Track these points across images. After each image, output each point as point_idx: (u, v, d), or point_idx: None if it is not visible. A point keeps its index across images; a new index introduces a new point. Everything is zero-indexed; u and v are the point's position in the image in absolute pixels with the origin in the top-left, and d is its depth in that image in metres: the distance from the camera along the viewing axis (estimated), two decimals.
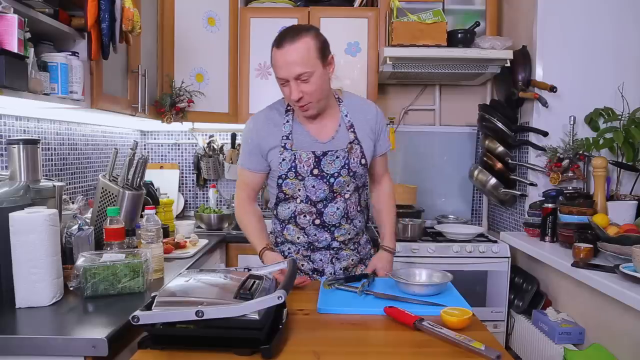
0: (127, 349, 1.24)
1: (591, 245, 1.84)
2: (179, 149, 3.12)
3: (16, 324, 1.22)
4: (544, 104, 2.42)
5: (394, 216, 1.80)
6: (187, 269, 1.80)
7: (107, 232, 1.54)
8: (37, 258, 1.30)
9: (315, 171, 1.59)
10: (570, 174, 2.37)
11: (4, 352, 1.12)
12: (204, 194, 3.12)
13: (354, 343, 1.13)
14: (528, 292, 2.35)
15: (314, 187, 1.60)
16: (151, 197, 2.44)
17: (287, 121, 1.61)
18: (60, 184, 1.57)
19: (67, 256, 1.50)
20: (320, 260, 1.68)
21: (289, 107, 1.63)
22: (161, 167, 3.04)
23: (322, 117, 1.61)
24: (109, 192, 1.79)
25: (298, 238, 1.67)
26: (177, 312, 1.01)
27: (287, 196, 1.63)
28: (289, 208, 1.65)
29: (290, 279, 1.16)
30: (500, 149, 2.63)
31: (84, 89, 1.69)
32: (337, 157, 1.59)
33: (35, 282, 1.30)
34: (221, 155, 3.03)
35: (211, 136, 3.05)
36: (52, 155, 2.07)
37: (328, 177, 1.59)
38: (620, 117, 2.23)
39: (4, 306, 1.30)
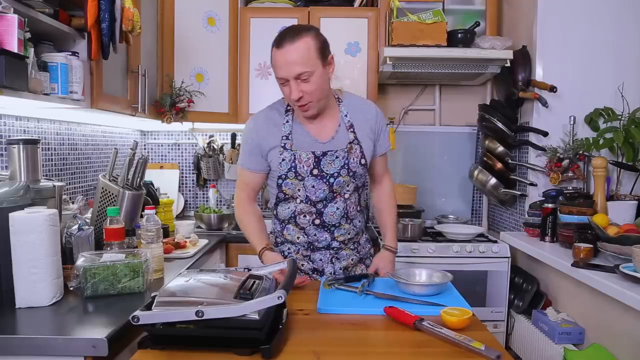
0: (127, 349, 1.24)
1: (591, 245, 1.84)
2: (179, 149, 3.12)
3: (16, 324, 1.22)
4: (544, 104, 2.42)
5: (395, 216, 1.81)
6: (187, 269, 1.80)
7: (107, 232, 1.54)
8: (37, 258, 1.30)
9: (315, 171, 1.59)
10: (570, 174, 2.37)
11: (4, 352, 1.12)
12: (204, 194, 3.12)
13: (354, 343, 1.13)
14: (528, 292, 2.35)
15: (313, 187, 1.60)
16: (151, 197, 2.44)
17: (287, 121, 1.61)
18: (60, 184, 1.57)
19: (67, 256, 1.50)
20: (320, 260, 1.68)
21: (288, 107, 1.63)
22: (161, 167, 3.04)
23: (322, 117, 1.61)
24: (109, 192, 1.79)
25: (298, 238, 1.67)
26: (177, 312, 1.01)
27: (287, 196, 1.63)
28: (288, 208, 1.65)
29: (290, 279, 1.16)
30: (500, 149, 2.63)
31: (84, 89, 1.69)
32: (337, 157, 1.59)
33: (35, 282, 1.30)
34: (221, 155, 3.03)
35: (211, 136, 3.05)
36: (52, 155, 2.07)
37: (328, 177, 1.59)
38: (620, 117, 2.23)
39: (4, 306, 1.30)
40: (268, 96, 2.62)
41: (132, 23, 1.70)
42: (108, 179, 1.82)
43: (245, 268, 1.32)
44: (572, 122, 2.39)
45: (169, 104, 2.47)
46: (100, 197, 1.80)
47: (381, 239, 1.92)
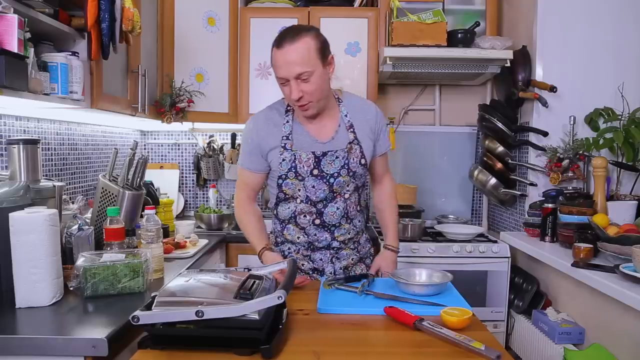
0: (127, 349, 1.24)
1: (591, 245, 1.84)
2: (179, 149, 3.12)
3: (16, 324, 1.22)
4: (544, 104, 2.42)
5: (396, 216, 1.81)
6: (187, 269, 1.80)
7: (107, 232, 1.54)
8: (37, 258, 1.30)
9: (315, 171, 1.59)
10: (570, 174, 2.37)
11: (4, 352, 1.12)
12: (204, 194, 3.12)
13: (354, 343, 1.13)
14: (528, 292, 2.35)
15: (313, 187, 1.60)
16: (151, 197, 2.44)
17: (287, 121, 1.61)
18: (60, 184, 1.57)
19: (67, 256, 1.50)
20: (321, 259, 1.68)
21: (289, 108, 1.63)
22: (161, 167, 3.04)
23: (322, 117, 1.62)
24: (109, 192, 1.79)
25: (298, 238, 1.67)
26: (177, 312, 1.01)
27: (287, 196, 1.63)
28: (289, 208, 1.65)
29: (290, 279, 1.16)
30: (500, 149, 2.63)
31: (84, 89, 1.69)
32: (337, 157, 1.59)
33: (35, 282, 1.30)
34: (221, 155, 3.03)
35: (211, 136, 3.05)
36: (52, 155, 2.07)
37: (328, 177, 1.60)
38: (620, 117, 2.23)
39: (4, 306, 1.30)
40: (268, 96, 2.62)
41: (132, 23, 1.70)
42: (108, 179, 1.82)
43: (245, 268, 1.32)
44: (572, 122, 2.39)
45: (169, 104, 2.47)
46: (100, 197, 1.80)
47: (381, 239, 1.93)
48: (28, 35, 1.36)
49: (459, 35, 2.50)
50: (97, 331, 1.15)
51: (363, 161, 1.64)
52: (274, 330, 1.09)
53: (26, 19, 1.34)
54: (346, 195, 1.64)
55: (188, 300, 1.04)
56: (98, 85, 1.78)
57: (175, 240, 2.15)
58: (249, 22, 2.73)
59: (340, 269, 1.69)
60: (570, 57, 2.42)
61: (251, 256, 2.21)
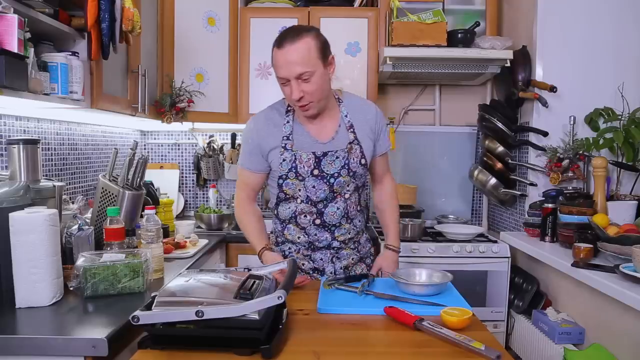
0: (127, 349, 1.24)
1: (591, 245, 1.84)
2: (179, 149, 3.12)
3: (16, 324, 1.22)
4: (544, 104, 2.42)
5: (397, 215, 1.81)
6: (187, 269, 1.80)
7: (107, 232, 1.54)
8: (37, 258, 1.30)
9: (316, 171, 1.59)
10: (570, 174, 2.37)
11: (4, 352, 1.12)
12: (204, 194, 3.12)
13: (354, 343, 1.13)
14: (528, 292, 2.35)
15: (314, 187, 1.60)
16: (151, 197, 2.44)
17: (288, 122, 1.61)
18: (60, 184, 1.57)
19: (67, 256, 1.50)
20: (321, 259, 1.68)
21: (289, 108, 1.64)
22: (161, 167, 3.04)
23: (322, 117, 1.62)
24: (109, 192, 1.79)
25: (298, 238, 1.67)
26: (177, 312, 1.01)
27: (287, 196, 1.64)
28: (289, 208, 1.65)
29: (290, 279, 1.16)
30: (500, 149, 2.63)
31: (84, 89, 1.69)
32: (337, 158, 1.60)
33: (35, 282, 1.30)
34: (221, 155, 3.03)
35: (211, 136, 3.05)
36: (52, 155, 2.07)
37: (328, 177, 1.60)
38: (620, 117, 2.23)
39: (4, 306, 1.30)
40: (268, 96, 2.63)
41: (132, 23, 1.70)
42: (108, 179, 1.82)
43: (245, 268, 1.32)
44: (572, 122, 2.39)
45: (169, 104, 2.47)
46: (100, 197, 1.80)
47: (382, 239, 1.93)
48: (28, 35, 1.36)
49: (459, 35, 2.50)
50: (97, 331, 1.15)
51: (363, 161, 1.64)
52: (274, 330, 1.09)
53: (26, 19, 1.34)
54: (346, 195, 1.64)
55: (188, 300, 1.04)
56: (98, 85, 1.78)
57: (175, 240, 2.15)
58: (249, 22, 2.73)
59: (341, 268, 1.69)
60: (570, 57, 2.42)
61: (251, 256, 2.21)
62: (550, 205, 2.21)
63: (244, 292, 1.07)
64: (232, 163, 2.95)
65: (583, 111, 2.39)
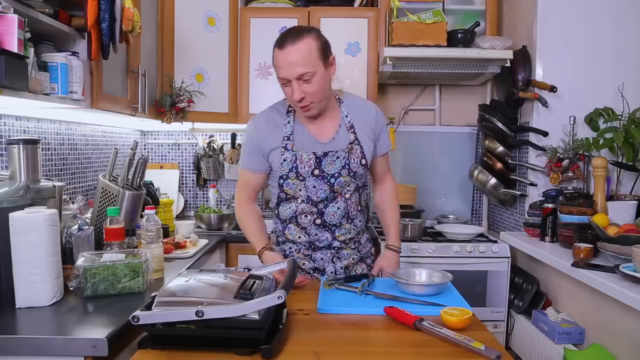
0: (127, 349, 1.24)
1: (591, 245, 1.84)
2: (179, 149, 3.12)
3: (16, 324, 1.22)
4: (544, 104, 2.42)
5: (398, 216, 1.82)
6: (187, 269, 1.80)
7: (107, 232, 1.54)
8: (37, 258, 1.30)
9: (316, 171, 1.59)
10: (570, 174, 2.37)
11: (4, 352, 1.12)
12: (204, 194, 3.12)
13: (354, 343, 1.13)
14: (528, 292, 2.35)
15: (314, 187, 1.60)
16: (151, 197, 2.44)
17: (288, 122, 1.62)
18: (60, 184, 1.57)
19: (67, 256, 1.50)
20: (321, 259, 1.69)
21: (289, 108, 1.64)
22: (161, 167, 3.04)
23: (323, 117, 1.62)
24: (109, 192, 1.79)
25: (299, 237, 1.67)
26: (177, 312, 1.01)
27: (288, 196, 1.64)
28: (290, 208, 1.65)
29: (290, 279, 1.16)
30: (500, 149, 2.63)
31: (84, 89, 1.69)
32: (338, 158, 1.60)
33: (35, 282, 1.30)
34: (221, 155, 3.03)
35: (211, 136, 3.05)
36: (52, 155, 2.07)
37: (329, 178, 1.60)
38: (620, 117, 2.23)
39: (4, 306, 1.30)
40: (268, 96, 2.64)
41: (132, 23, 1.70)
42: (108, 179, 1.82)
43: (245, 268, 1.32)
44: (572, 122, 2.39)
45: (169, 104, 2.47)
46: (100, 197, 1.80)
47: (382, 239, 1.93)
48: (28, 35, 1.36)
49: (459, 35, 2.50)
50: (97, 331, 1.15)
51: (364, 161, 1.64)
52: (274, 330, 1.09)
53: (26, 19, 1.34)
54: (347, 195, 1.64)
55: (188, 300, 1.04)
56: (98, 85, 1.78)
57: (175, 240, 2.15)
58: (249, 22, 2.73)
59: (341, 268, 1.70)
60: (570, 57, 2.42)
61: (251, 256, 2.21)
62: (550, 205, 2.21)
63: (244, 292, 1.07)
64: (232, 163, 2.95)
65: (583, 111, 2.39)
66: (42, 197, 1.47)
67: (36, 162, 1.53)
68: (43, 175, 1.59)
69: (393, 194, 1.81)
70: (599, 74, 2.40)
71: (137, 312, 1.01)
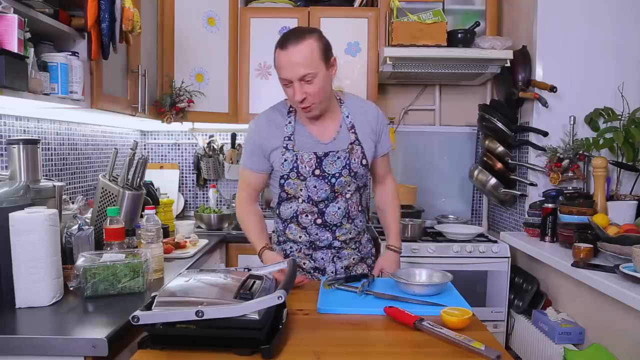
0: (127, 349, 1.24)
1: (591, 245, 1.84)
2: (179, 149, 3.12)
3: (16, 324, 1.22)
4: (544, 104, 2.42)
5: (398, 216, 1.82)
6: (187, 269, 1.80)
7: (107, 232, 1.54)
8: (37, 258, 1.30)
9: (317, 171, 1.59)
10: (570, 174, 2.37)
11: (4, 352, 1.12)
12: (204, 194, 3.12)
13: (354, 343, 1.13)
14: (528, 292, 2.35)
15: (315, 187, 1.60)
16: (151, 197, 2.44)
17: (290, 122, 1.62)
18: (60, 184, 1.57)
19: (67, 256, 1.50)
20: (322, 259, 1.69)
21: (291, 109, 1.64)
22: (161, 167, 3.04)
23: (324, 118, 1.63)
24: (109, 192, 1.79)
25: (300, 237, 1.67)
26: (177, 312, 1.01)
27: (289, 196, 1.64)
28: (291, 207, 1.65)
29: (290, 279, 1.16)
30: (500, 149, 2.63)
31: (84, 89, 1.69)
32: (339, 158, 1.60)
33: (35, 282, 1.30)
34: (221, 155, 3.04)
35: (211, 136, 3.05)
36: (52, 155, 2.07)
37: (329, 178, 1.60)
38: (620, 117, 2.23)
39: (4, 306, 1.30)
40: (268, 96, 2.64)
41: (132, 23, 1.70)
42: (108, 179, 1.82)
43: (245, 268, 1.32)
44: (572, 122, 2.39)
45: (169, 104, 2.47)
46: (100, 197, 1.80)
47: (382, 239, 1.93)
48: (28, 35, 1.36)
49: (459, 35, 2.50)
50: (97, 331, 1.15)
51: (364, 162, 1.64)
52: (274, 330, 1.09)
53: (26, 19, 1.34)
54: (347, 195, 1.64)
55: (188, 300, 1.04)
56: (98, 85, 1.78)
57: (175, 240, 2.15)
58: (249, 22, 2.73)
59: (342, 268, 1.70)
60: (570, 57, 2.42)
61: (251, 256, 2.21)
62: (550, 205, 2.21)
63: (244, 292, 1.07)
64: (232, 163, 2.95)
65: (583, 111, 2.39)
66: (42, 197, 1.47)
67: (36, 162, 1.53)
68: (43, 175, 1.59)
69: (394, 194, 1.81)
70: (599, 74, 2.40)
71: (137, 312, 1.01)
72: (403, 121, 3.09)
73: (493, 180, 2.64)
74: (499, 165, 2.64)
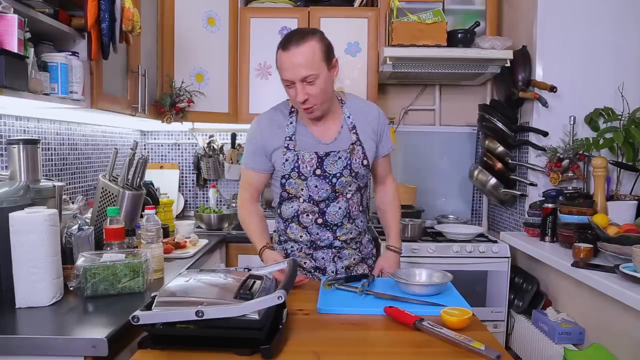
0: (127, 349, 1.24)
1: (591, 245, 1.84)
2: (179, 149, 3.12)
3: (16, 324, 1.22)
4: (544, 104, 2.42)
5: (399, 216, 1.82)
6: (187, 269, 1.80)
7: (107, 232, 1.54)
8: (37, 258, 1.30)
9: (318, 171, 1.60)
10: (570, 174, 2.37)
11: (4, 352, 1.12)
12: (204, 194, 3.12)
13: (354, 343, 1.13)
14: (528, 292, 2.35)
15: (316, 187, 1.61)
16: (151, 197, 2.44)
17: (291, 122, 1.63)
18: (60, 184, 1.57)
19: (67, 256, 1.50)
20: (323, 258, 1.69)
21: (292, 109, 1.65)
22: (161, 167, 3.04)
23: (326, 119, 1.63)
24: (109, 192, 1.79)
25: (301, 237, 1.68)
26: (177, 312, 1.01)
27: (290, 195, 1.64)
28: (292, 207, 1.66)
29: (291, 279, 1.16)
30: (500, 149, 2.63)
31: (84, 89, 1.69)
32: (340, 158, 1.60)
33: (35, 282, 1.30)
34: (221, 155, 3.04)
35: (211, 136, 3.05)
36: (52, 155, 2.07)
37: (330, 177, 1.60)
38: (620, 117, 2.23)
39: (4, 306, 1.30)
40: (268, 96, 2.64)
41: (132, 23, 1.70)
42: (108, 179, 1.82)
43: (245, 268, 1.32)
44: (572, 122, 2.39)
45: (169, 104, 2.47)
46: (100, 197, 1.80)
47: (382, 239, 1.93)
48: (28, 35, 1.36)
49: (459, 35, 2.50)
50: (97, 331, 1.15)
51: (365, 162, 1.64)
52: (274, 330, 1.09)
53: (26, 19, 1.34)
54: (348, 195, 1.65)
55: (188, 300, 1.04)
56: (98, 85, 1.78)
57: (175, 240, 2.15)
58: (249, 22, 2.73)
59: (342, 268, 1.70)
60: (570, 57, 2.42)
61: (251, 256, 2.22)
62: (550, 205, 2.21)
63: (244, 292, 1.07)
64: (232, 163, 2.95)
65: (583, 111, 2.39)
66: (42, 197, 1.47)
67: (36, 162, 1.53)
68: (43, 175, 1.59)
69: (394, 195, 1.82)
70: (599, 74, 2.40)
71: (137, 312, 1.01)
72: (403, 121, 3.09)
73: (493, 180, 2.64)
74: (499, 165, 2.64)
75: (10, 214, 1.29)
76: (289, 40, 1.48)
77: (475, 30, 2.52)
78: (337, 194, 1.63)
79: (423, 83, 3.06)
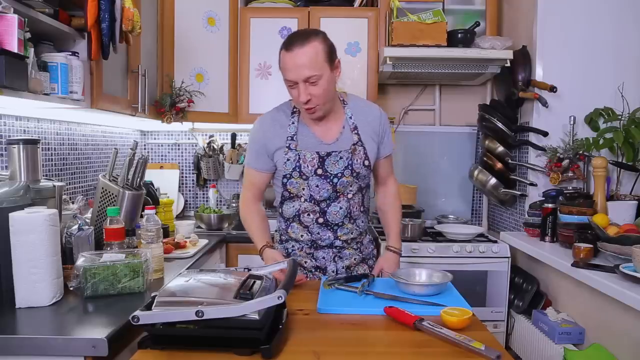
0: (127, 349, 1.24)
1: (591, 245, 1.84)
2: (179, 149, 3.12)
3: (16, 324, 1.22)
4: (544, 104, 2.42)
5: (399, 217, 1.82)
6: (187, 269, 1.80)
7: (107, 232, 1.54)
8: (37, 258, 1.30)
9: (319, 171, 1.60)
10: (570, 174, 2.37)
11: (4, 352, 1.12)
12: (204, 194, 3.12)
13: (354, 343, 1.13)
14: (528, 292, 2.35)
15: (317, 186, 1.61)
16: (151, 197, 2.44)
17: (293, 122, 1.63)
18: (60, 184, 1.57)
19: (67, 256, 1.50)
20: (323, 258, 1.69)
21: (295, 109, 1.66)
22: (161, 167, 3.04)
23: (327, 119, 1.64)
24: (109, 192, 1.79)
25: (302, 236, 1.68)
26: (177, 312, 1.01)
27: (291, 195, 1.65)
28: (293, 206, 1.66)
29: (291, 279, 1.16)
30: (500, 149, 2.63)
31: (84, 89, 1.69)
32: (341, 158, 1.61)
33: (35, 282, 1.30)
34: (221, 155, 3.03)
35: (211, 136, 3.05)
36: (52, 155, 2.07)
37: (331, 177, 1.61)
38: (620, 117, 2.23)
39: (4, 306, 1.30)
40: (268, 96, 2.65)
41: (132, 23, 1.70)
42: (108, 179, 1.82)
43: (245, 268, 1.32)
44: (572, 122, 2.39)
45: (169, 104, 2.47)
46: (100, 197, 1.80)
47: (382, 239, 1.93)
48: (28, 35, 1.36)
49: (459, 35, 2.50)
50: (97, 331, 1.15)
51: (367, 162, 1.65)
52: (274, 330, 1.09)
53: (26, 19, 1.34)
54: (349, 195, 1.65)
55: (188, 300, 1.04)
56: (98, 85, 1.78)
57: (175, 240, 2.15)
58: (249, 22, 2.73)
59: (343, 268, 1.70)
60: (570, 57, 2.42)
61: (251, 256, 2.22)
62: (550, 205, 2.21)
63: (244, 292, 1.07)
64: (232, 163, 2.95)
65: (583, 111, 2.39)
66: (42, 197, 1.47)
67: (36, 162, 1.53)
68: (43, 175, 1.59)
69: (395, 196, 1.82)
70: (599, 74, 2.40)
71: (137, 312, 1.01)
72: (403, 121, 3.09)
73: (493, 180, 2.64)
74: (499, 165, 2.64)
75: (10, 214, 1.29)
76: (292, 41, 1.49)
77: (475, 30, 2.52)
78: (338, 194, 1.63)
79: (423, 83, 3.06)
